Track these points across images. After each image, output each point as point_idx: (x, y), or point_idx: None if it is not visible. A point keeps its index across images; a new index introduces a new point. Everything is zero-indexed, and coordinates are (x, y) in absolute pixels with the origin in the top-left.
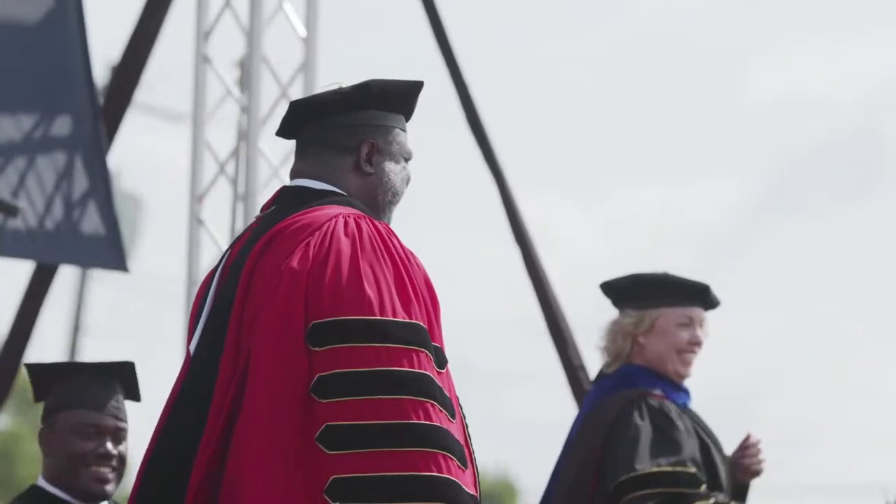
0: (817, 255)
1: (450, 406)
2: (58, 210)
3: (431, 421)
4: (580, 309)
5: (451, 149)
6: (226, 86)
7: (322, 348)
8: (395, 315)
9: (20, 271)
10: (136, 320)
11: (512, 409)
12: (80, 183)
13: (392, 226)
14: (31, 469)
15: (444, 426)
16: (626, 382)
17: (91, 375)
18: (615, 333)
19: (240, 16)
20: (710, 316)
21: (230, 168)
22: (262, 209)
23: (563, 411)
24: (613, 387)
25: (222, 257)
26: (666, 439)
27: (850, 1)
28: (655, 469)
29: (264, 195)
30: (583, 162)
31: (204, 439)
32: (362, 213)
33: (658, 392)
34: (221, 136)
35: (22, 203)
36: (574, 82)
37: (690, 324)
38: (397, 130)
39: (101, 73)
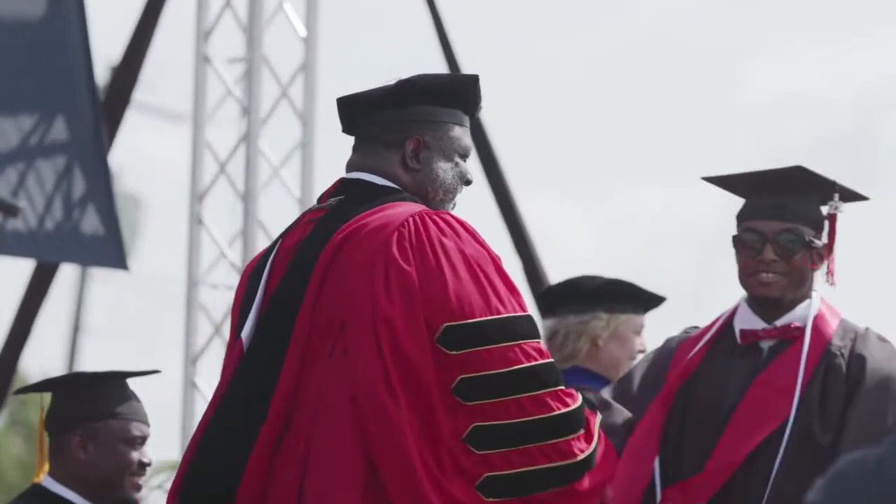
0: None
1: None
2: (58, 210)
3: (567, 406)
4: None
5: None
6: (226, 86)
7: (461, 351)
8: (514, 309)
9: (20, 271)
10: (136, 320)
11: None
12: (80, 183)
13: None
14: (15, 470)
15: (575, 401)
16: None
17: (124, 383)
18: (580, 333)
19: (240, 16)
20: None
21: (230, 168)
22: (321, 199)
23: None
24: None
25: (274, 245)
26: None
27: (847, 1)
28: None
29: (264, 195)
30: (581, 162)
31: (265, 429)
32: (434, 210)
33: (591, 388)
34: (221, 136)
35: (22, 203)
36: (572, 82)
37: (641, 331)
38: (450, 125)
39: (101, 73)
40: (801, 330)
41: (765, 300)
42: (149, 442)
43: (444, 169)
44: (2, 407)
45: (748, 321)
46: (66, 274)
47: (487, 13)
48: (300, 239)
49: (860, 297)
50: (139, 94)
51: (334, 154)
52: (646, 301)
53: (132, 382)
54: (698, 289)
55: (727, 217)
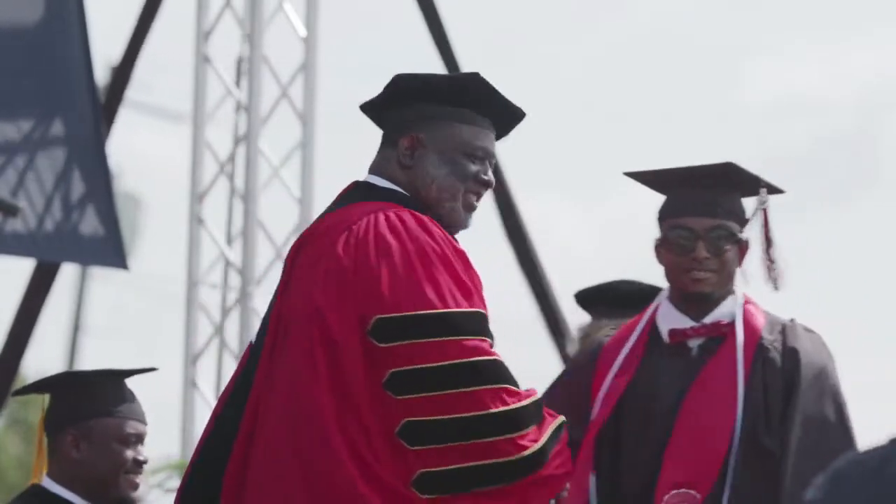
0: (812, 255)
1: (515, 379)
2: (58, 210)
3: (507, 405)
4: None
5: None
6: (226, 86)
7: (391, 344)
8: (458, 305)
9: (20, 271)
10: (136, 320)
11: None
12: (80, 183)
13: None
14: (14, 469)
15: (521, 399)
16: None
17: (120, 381)
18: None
19: (240, 16)
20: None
21: (230, 168)
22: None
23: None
24: None
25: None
26: None
27: (846, 2)
28: None
29: (264, 195)
30: (581, 162)
31: (241, 430)
32: (404, 208)
33: None
34: (221, 136)
35: (22, 203)
36: (572, 82)
37: None
38: (454, 124)
39: (100, 73)
40: (730, 326)
41: (698, 297)
42: (148, 441)
43: (437, 166)
44: (2, 407)
45: (674, 320)
46: (66, 274)
47: (487, 13)
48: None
49: (862, 297)
50: (140, 95)
51: (334, 154)
52: None
53: (132, 382)
54: None
55: None
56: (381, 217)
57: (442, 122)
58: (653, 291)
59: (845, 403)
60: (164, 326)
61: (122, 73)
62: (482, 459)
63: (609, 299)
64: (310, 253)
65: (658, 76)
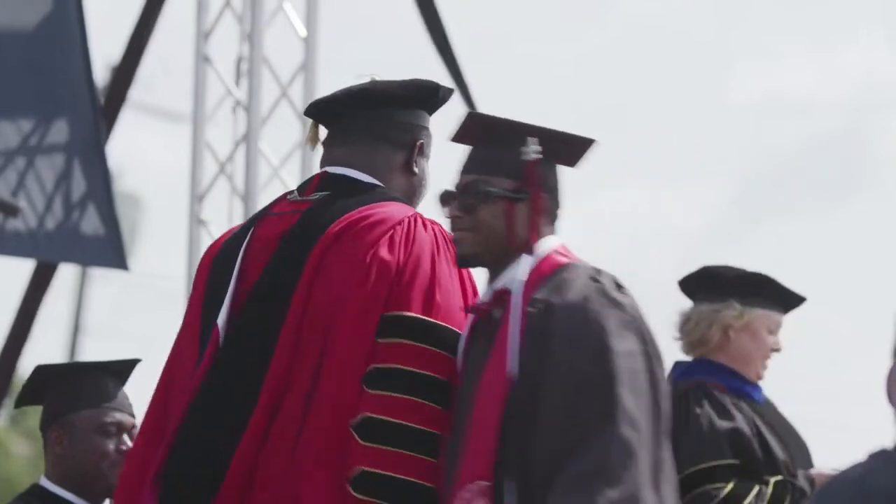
0: (801, 256)
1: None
2: (58, 210)
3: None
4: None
5: (451, 150)
6: (226, 86)
7: (382, 340)
8: (452, 322)
9: (20, 271)
10: (136, 320)
11: None
12: (80, 183)
13: None
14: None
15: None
16: (684, 375)
17: (99, 374)
18: (711, 321)
19: (240, 16)
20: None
21: (230, 168)
22: (306, 192)
23: None
24: (674, 379)
25: (244, 232)
26: (725, 430)
27: (835, 2)
28: (724, 462)
29: (264, 195)
30: None
31: (255, 417)
32: (425, 217)
33: (716, 382)
34: (221, 136)
35: (22, 203)
36: (559, 83)
37: (776, 331)
38: (429, 132)
39: (101, 73)
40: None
41: (462, 261)
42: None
43: (427, 174)
44: (1, 406)
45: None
46: (66, 274)
47: (477, 12)
48: (284, 230)
49: (851, 297)
50: (140, 95)
51: None
52: (785, 299)
53: (132, 381)
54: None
55: (714, 217)
56: (425, 225)
57: (429, 131)
58: (756, 278)
59: (614, 364)
60: (165, 326)
61: (125, 73)
62: (413, 477)
63: (710, 285)
64: (351, 248)
65: (648, 77)
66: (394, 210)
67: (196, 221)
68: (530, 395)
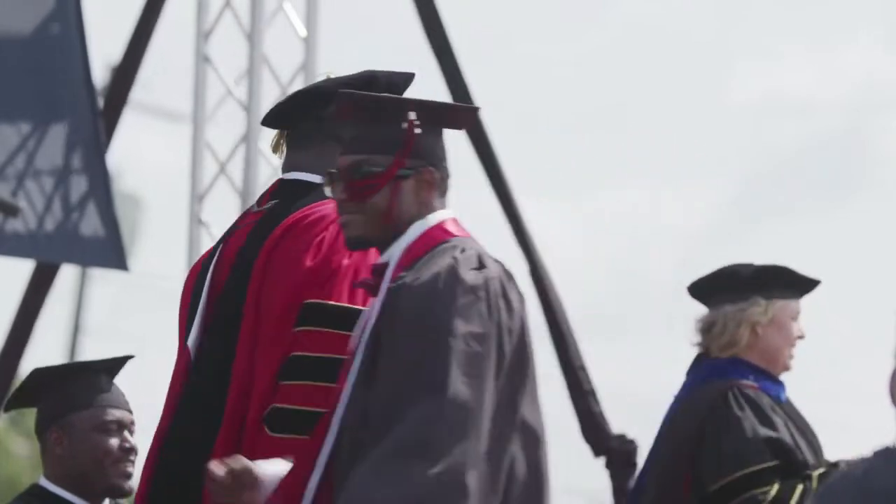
0: (801, 256)
1: None
2: (58, 210)
3: None
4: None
5: (452, 150)
6: (226, 86)
7: (297, 329)
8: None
9: (20, 271)
10: (136, 320)
11: None
12: (80, 184)
13: None
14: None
15: None
16: (715, 374)
17: (93, 373)
18: (739, 321)
19: (240, 16)
20: (691, 317)
21: (230, 168)
22: (261, 202)
23: (562, 412)
24: (705, 377)
25: (215, 250)
26: (766, 433)
27: (835, 2)
28: (767, 465)
29: None
30: (565, 163)
31: (222, 434)
32: None
33: (750, 382)
34: (221, 136)
35: (22, 203)
36: (559, 83)
37: (797, 317)
38: None
39: (100, 73)
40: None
41: (351, 244)
42: (138, 428)
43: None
44: (1, 406)
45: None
46: (66, 274)
47: (477, 12)
48: (242, 244)
49: (851, 298)
50: (140, 94)
51: None
52: (802, 285)
53: (128, 378)
54: (685, 288)
55: (714, 217)
56: None
57: None
58: (772, 270)
59: (450, 345)
60: (165, 327)
61: (125, 74)
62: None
63: (729, 285)
64: (292, 248)
65: (647, 77)
66: (333, 207)
67: (196, 221)
68: (372, 370)
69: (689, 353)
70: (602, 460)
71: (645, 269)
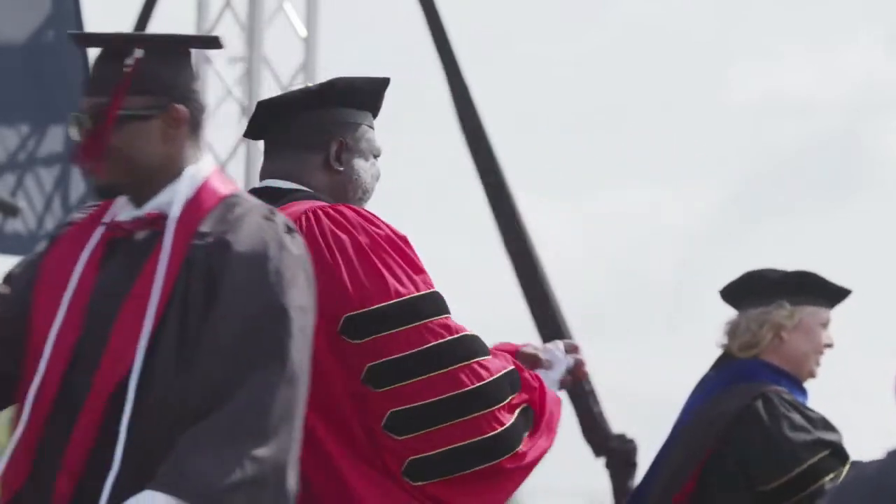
0: (801, 256)
1: (486, 347)
2: (57, 210)
3: (482, 379)
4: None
5: (451, 151)
6: (226, 86)
7: (364, 339)
8: (416, 287)
9: None
10: None
11: None
12: (79, 184)
13: None
14: None
15: (493, 373)
16: (744, 377)
17: None
18: (762, 323)
19: (240, 16)
20: (697, 314)
21: (230, 168)
22: None
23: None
24: (730, 380)
25: None
26: (811, 429)
27: (835, 2)
28: (823, 454)
29: None
30: (565, 163)
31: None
32: (333, 204)
33: (783, 389)
34: (221, 136)
35: (22, 203)
36: (559, 83)
37: (826, 326)
38: (365, 127)
39: None
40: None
41: (98, 192)
42: None
43: (364, 169)
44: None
45: (124, 210)
46: None
47: (477, 12)
48: None
49: (851, 298)
50: None
51: None
52: (832, 294)
53: None
54: (684, 288)
55: (714, 217)
56: (321, 214)
57: (357, 125)
58: (800, 275)
59: (289, 318)
60: None
61: None
62: (464, 440)
63: (757, 289)
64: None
65: (646, 77)
66: (294, 210)
67: None
68: (182, 331)
69: (690, 354)
70: (602, 460)
71: (645, 269)
